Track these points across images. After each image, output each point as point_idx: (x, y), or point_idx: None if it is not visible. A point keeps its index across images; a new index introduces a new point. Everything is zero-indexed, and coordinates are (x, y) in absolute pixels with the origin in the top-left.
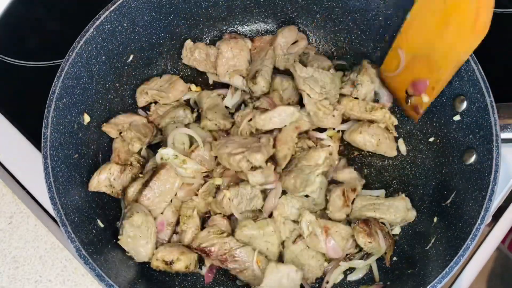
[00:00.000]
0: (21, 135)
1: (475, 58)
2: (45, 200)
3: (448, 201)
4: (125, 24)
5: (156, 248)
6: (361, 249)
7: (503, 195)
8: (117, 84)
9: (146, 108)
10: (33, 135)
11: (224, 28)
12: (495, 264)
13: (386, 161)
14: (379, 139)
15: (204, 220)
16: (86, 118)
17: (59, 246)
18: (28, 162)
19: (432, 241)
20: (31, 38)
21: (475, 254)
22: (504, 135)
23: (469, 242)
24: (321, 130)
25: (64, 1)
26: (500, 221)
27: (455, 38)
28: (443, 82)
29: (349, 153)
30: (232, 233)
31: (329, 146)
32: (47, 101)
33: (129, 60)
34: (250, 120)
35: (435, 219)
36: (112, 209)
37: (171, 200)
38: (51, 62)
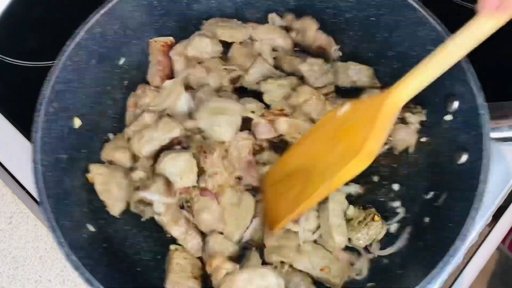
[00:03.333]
0: (21, 135)
1: (467, 58)
2: None
3: (440, 201)
4: (115, 27)
5: None
6: None
7: (503, 195)
8: (109, 88)
9: None
10: None
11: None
12: (495, 265)
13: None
14: None
15: None
16: (77, 122)
17: None
18: (28, 162)
19: (423, 242)
20: (31, 38)
21: (475, 254)
22: (495, 135)
23: (458, 242)
24: None
25: (64, 1)
26: (500, 221)
27: (337, 159)
28: (307, 203)
29: None
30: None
31: None
32: (37, 105)
33: (120, 63)
34: None
35: (426, 220)
36: (103, 212)
37: None
38: (51, 62)
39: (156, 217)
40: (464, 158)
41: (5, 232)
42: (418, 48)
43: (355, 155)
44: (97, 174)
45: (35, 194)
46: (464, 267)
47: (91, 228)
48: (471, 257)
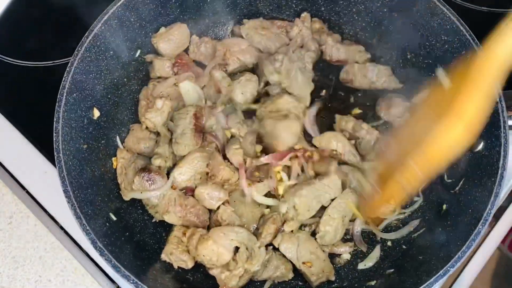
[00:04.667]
0: (20, 135)
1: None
2: (45, 200)
3: (457, 188)
4: (132, 19)
5: None
6: None
7: (503, 195)
8: (125, 79)
9: None
10: (33, 135)
11: (229, 21)
12: (495, 265)
13: None
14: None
15: None
16: (96, 113)
17: (59, 246)
18: (28, 162)
19: (442, 228)
20: (31, 38)
21: (475, 254)
22: (510, 123)
23: (480, 227)
24: None
25: (64, 1)
26: (500, 221)
27: (446, 132)
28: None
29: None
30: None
31: None
32: (58, 96)
33: (136, 55)
34: None
35: (444, 207)
36: (123, 202)
37: None
38: (51, 62)
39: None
40: (480, 145)
41: (5, 232)
42: (432, 38)
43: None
44: (120, 158)
45: (35, 194)
46: (464, 267)
47: (113, 217)
48: (471, 257)
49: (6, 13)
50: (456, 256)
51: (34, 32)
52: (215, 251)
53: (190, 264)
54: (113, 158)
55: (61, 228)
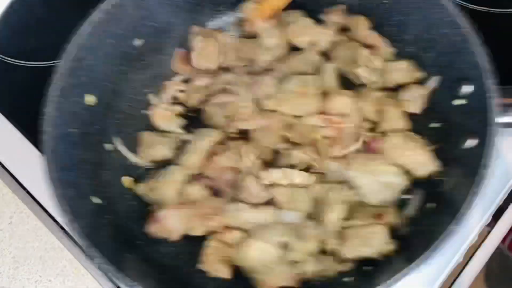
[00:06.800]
0: (21, 135)
1: (479, 41)
2: (45, 200)
3: (443, 187)
4: (131, 9)
5: None
6: None
7: (503, 195)
8: (124, 68)
9: None
10: (33, 135)
11: (233, 14)
12: (495, 264)
13: None
14: None
15: None
16: (92, 99)
17: (59, 246)
18: (28, 162)
19: (426, 226)
20: (31, 38)
21: (475, 254)
22: (506, 119)
23: (452, 227)
24: None
25: (64, 1)
26: (500, 221)
27: None
28: None
29: None
30: None
31: None
32: (51, 80)
33: (137, 44)
34: None
35: (431, 205)
36: (110, 186)
37: None
38: (51, 62)
39: None
40: (471, 142)
41: (5, 232)
42: (434, 31)
43: None
44: None
45: (35, 194)
46: (464, 267)
47: (96, 200)
48: (471, 257)
49: (6, 13)
50: (420, 258)
51: (34, 32)
52: (260, 248)
53: (227, 275)
54: (123, 179)
55: (61, 228)
